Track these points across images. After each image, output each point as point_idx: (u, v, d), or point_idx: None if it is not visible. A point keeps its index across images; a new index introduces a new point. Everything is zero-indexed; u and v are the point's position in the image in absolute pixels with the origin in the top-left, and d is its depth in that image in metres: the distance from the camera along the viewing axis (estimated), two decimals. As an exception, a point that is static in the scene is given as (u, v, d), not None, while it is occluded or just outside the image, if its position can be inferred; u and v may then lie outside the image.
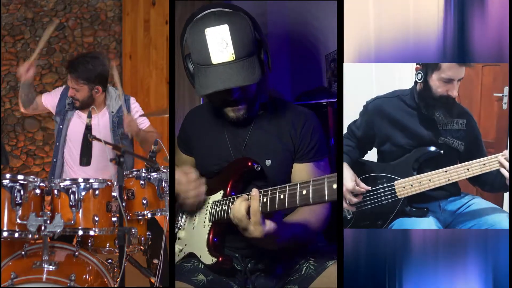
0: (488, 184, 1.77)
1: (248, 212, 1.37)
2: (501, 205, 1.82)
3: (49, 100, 2.62)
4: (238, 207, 1.39)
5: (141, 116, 2.61)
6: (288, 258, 1.60)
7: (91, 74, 2.47)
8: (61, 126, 2.55)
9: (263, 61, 1.53)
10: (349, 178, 1.73)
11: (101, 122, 2.53)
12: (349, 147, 1.82)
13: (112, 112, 2.55)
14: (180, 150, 1.84)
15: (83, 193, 1.92)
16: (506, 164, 1.61)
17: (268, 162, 1.60)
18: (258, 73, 1.48)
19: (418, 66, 1.76)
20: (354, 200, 1.74)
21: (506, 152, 1.63)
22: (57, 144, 2.56)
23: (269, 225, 1.37)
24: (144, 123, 2.66)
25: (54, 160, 2.58)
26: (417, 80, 1.77)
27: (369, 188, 1.77)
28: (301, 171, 1.63)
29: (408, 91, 1.82)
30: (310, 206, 1.44)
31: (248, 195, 1.42)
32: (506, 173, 1.62)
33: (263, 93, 1.63)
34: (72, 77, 2.46)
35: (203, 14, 1.51)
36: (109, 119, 2.54)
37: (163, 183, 2.09)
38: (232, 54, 1.46)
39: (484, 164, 1.65)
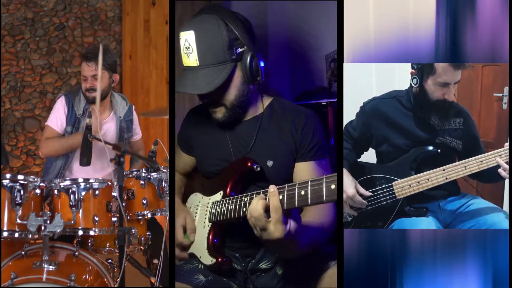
0: (486, 176, 1.77)
1: (266, 210, 1.30)
2: (501, 205, 1.82)
3: (63, 116, 2.46)
4: (255, 206, 1.30)
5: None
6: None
7: (112, 60, 2.48)
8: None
9: (249, 68, 1.53)
10: (350, 184, 1.72)
11: (112, 127, 2.54)
12: (346, 149, 1.81)
13: (120, 117, 2.55)
14: (180, 149, 1.84)
15: (83, 193, 1.92)
16: (505, 166, 1.60)
17: (270, 163, 1.60)
18: (216, 83, 1.50)
19: (413, 70, 1.76)
20: (353, 210, 1.73)
21: (505, 150, 1.62)
22: (69, 154, 2.45)
23: (291, 225, 1.30)
24: (139, 135, 2.71)
25: (55, 164, 2.48)
26: (413, 85, 1.76)
27: (369, 193, 1.76)
28: (303, 170, 1.62)
29: (404, 92, 1.81)
30: (319, 205, 1.43)
31: (262, 193, 1.37)
32: (504, 174, 1.61)
33: (247, 96, 1.61)
34: (95, 64, 2.39)
35: (191, 16, 1.56)
36: (115, 124, 2.55)
37: (163, 183, 2.08)
38: (196, 60, 1.50)
39: (482, 162, 1.65)
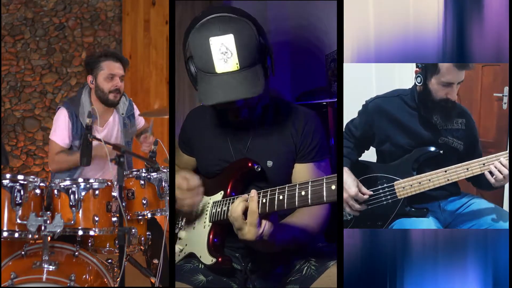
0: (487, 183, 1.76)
1: (244, 212, 1.36)
2: (501, 205, 1.82)
3: (68, 132, 2.42)
4: (236, 207, 1.37)
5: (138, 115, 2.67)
6: (288, 259, 1.61)
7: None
8: None
9: (268, 67, 1.51)
10: (352, 184, 1.71)
11: (116, 126, 2.54)
12: (348, 148, 1.81)
13: (122, 114, 2.56)
14: (180, 150, 1.84)
15: (83, 193, 1.92)
16: (504, 171, 1.60)
17: (269, 163, 1.60)
18: (262, 83, 1.46)
19: (417, 69, 1.75)
20: (357, 206, 1.73)
21: (506, 153, 1.63)
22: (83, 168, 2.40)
23: (265, 228, 1.36)
24: (141, 122, 2.74)
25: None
26: (417, 84, 1.76)
27: (371, 193, 1.76)
28: (302, 171, 1.62)
29: (408, 91, 1.81)
30: (309, 207, 1.44)
31: (248, 195, 1.40)
32: (492, 180, 1.62)
33: (265, 97, 1.63)
34: (122, 65, 2.43)
35: (207, 19, 1.48)
36: (118, 121, 2.55)
37: (163, 183, 2.09)
38: (237, 64, 1.43)
39: (484, 164, 1.64)
